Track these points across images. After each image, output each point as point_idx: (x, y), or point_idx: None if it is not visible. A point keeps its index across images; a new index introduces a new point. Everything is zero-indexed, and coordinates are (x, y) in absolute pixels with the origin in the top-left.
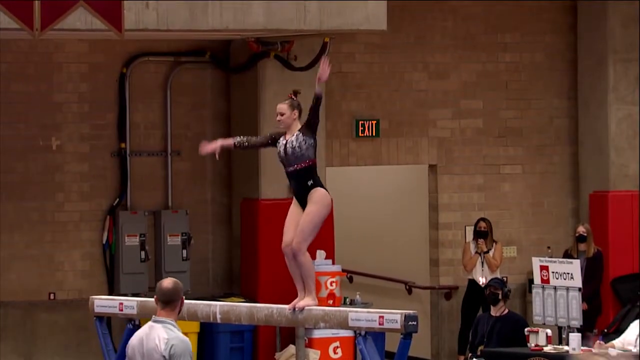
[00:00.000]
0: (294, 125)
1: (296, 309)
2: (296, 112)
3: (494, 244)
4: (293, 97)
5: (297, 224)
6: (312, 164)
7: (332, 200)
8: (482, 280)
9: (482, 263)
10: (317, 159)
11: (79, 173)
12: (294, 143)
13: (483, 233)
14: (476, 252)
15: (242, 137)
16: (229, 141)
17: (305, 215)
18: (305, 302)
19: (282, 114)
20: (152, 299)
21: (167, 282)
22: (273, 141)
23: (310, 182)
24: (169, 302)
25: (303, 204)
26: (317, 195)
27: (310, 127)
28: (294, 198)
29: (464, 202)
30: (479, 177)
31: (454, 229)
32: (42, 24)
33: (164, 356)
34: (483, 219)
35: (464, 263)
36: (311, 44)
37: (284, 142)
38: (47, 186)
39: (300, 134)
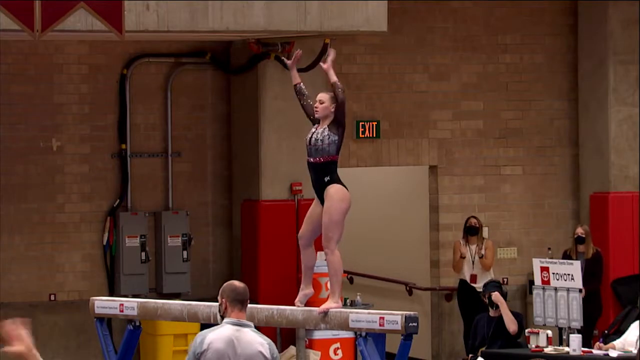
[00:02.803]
0: (328, 118)
1: (318, 313)
2: (334, 106)
3: (484, 240)
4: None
5: (313, 218)
6: (332, 160)
7: (349, 195)
8: (474, 280)
9: (473, 262)
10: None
11: (80, 174)
12: (319, 135)
13: (473, 229)
14: (461, 257)
15: (304, 88)
16: (296, 77)
17: (325, 215)
18: (327, 305)
19: (321, 102)
20: (153, 300)
21: (239, 283)
22: (308, 114)
23: (327, 179)
24: (245, 302)
25: (320, 198)
26: (333, 191)
27: (336, 122)
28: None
29: (465, 203)
30: (479, 178)
31: (455, 230)
32: (42, 25)
33: None
34: (473, 216)
35: (453, 265)
36: (311, 45)
37: (313, 131)
38: (47, 187)
39: (327, 128)
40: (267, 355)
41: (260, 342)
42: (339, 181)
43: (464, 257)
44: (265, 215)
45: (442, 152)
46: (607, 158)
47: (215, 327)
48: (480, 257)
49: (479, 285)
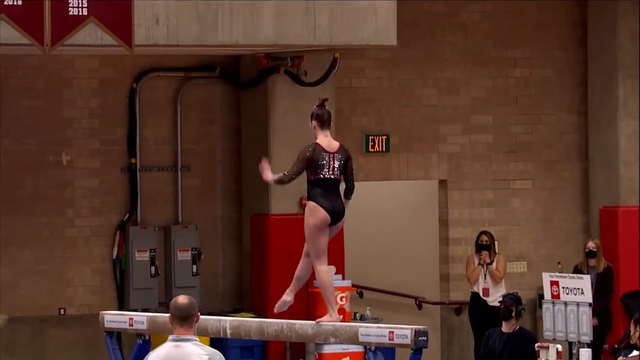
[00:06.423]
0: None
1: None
2: (312, 123)
3: (497, 255)
4: (317, 105)
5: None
6: (308, 179)
7: (315, 208)
8: (486, 294)
9: (485, 275)
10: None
11: (89, 188)
12: None
13: (485, 246)
14: (479, 264)
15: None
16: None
17: None
18: (325, 317)
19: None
20: (162, 314)
21: (182, 298)
22: None
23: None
24: (187, 318)
25: None
26: (305, 209)
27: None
28: None
29: (474, 217)
30: (489, 192)
31: (464, 244)
32: (52, 39)
33: None
34: (485, 232)
35: (467, 275)
36: (321, 60)
37: None
38: (57, 202)
39: None
40: None
41: (197, 354)
42: (311, 197)
43: (482, 265)
44: (275, 229)
45: (451, 166)
46: (617, 172)
47: (160, 346)
48: (489, 264)
49: (491, 299)
